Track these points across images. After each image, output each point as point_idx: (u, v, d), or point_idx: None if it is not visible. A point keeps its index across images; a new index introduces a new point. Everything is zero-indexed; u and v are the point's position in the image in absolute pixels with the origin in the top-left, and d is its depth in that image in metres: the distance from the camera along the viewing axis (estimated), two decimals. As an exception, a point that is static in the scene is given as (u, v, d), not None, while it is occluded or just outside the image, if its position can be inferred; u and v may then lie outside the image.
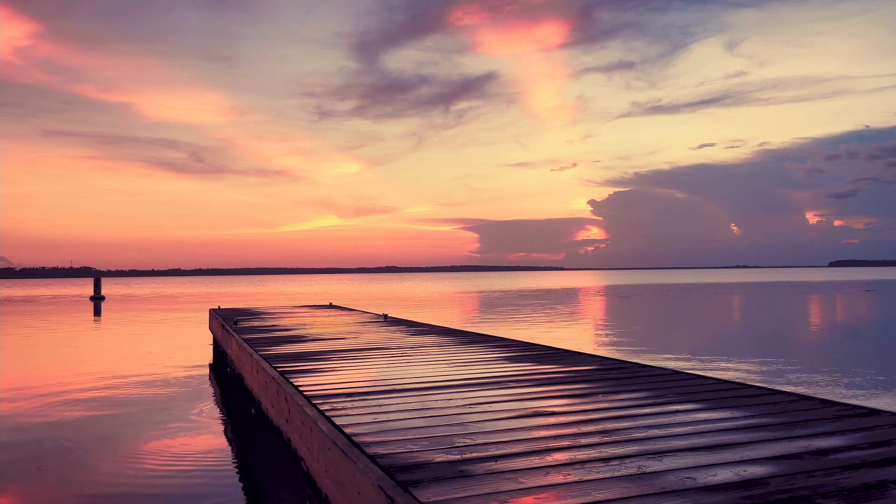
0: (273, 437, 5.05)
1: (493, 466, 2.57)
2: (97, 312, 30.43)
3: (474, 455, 2.73)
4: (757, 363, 11.43)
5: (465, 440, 2.99)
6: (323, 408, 3.75)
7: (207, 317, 20.21)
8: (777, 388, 4.18)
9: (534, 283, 77.00)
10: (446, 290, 55.13)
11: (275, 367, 5.38)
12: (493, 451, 2.79)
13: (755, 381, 9.20)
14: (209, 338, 14.47)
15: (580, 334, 17.21)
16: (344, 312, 12.67)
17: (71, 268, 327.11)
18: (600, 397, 3.99)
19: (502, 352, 6.26)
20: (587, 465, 2.57)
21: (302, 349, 6.72)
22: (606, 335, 16.88)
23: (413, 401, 3.95)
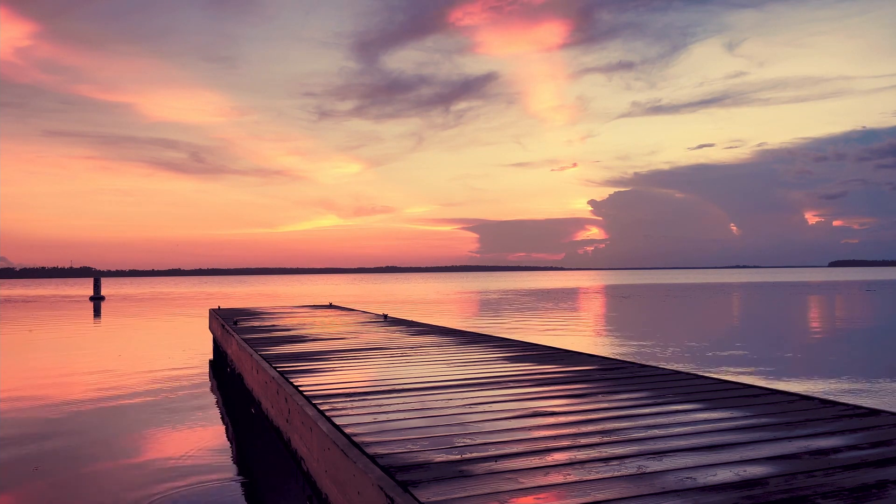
0: (273, 437, 5.05)
1: (493, 466, 2.57)
2: (97, 313, 30.43)
3: (474, 455, 2.73)
4: (757, 363, 11.43)
5: (465, 440, 2.99)
6: (323, 408, 3.75)
7: (207, 317, 20.21)
8: (777, 388, 4.18)
9: (534, 283, 77.00)
10: (446, 290, 55.13)
11: (275, 367, 5.38)
12: (493, 451, 2.79)
13: (755, 381, 9.20)
14: (209, 338, 14.47)
15: (580, 334, 17.21)
16: (344, 312, 12.67)
17: (71, 268, 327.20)
18: (600, 397, 3.99)
19: (502, 352, 6.27)
20: (587, 465, 2.57)
21: (302, 349, 6.72)
22: (606, 335, 16.88)
23: (413, 401, 3.95)
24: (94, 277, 47.48)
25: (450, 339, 7.52)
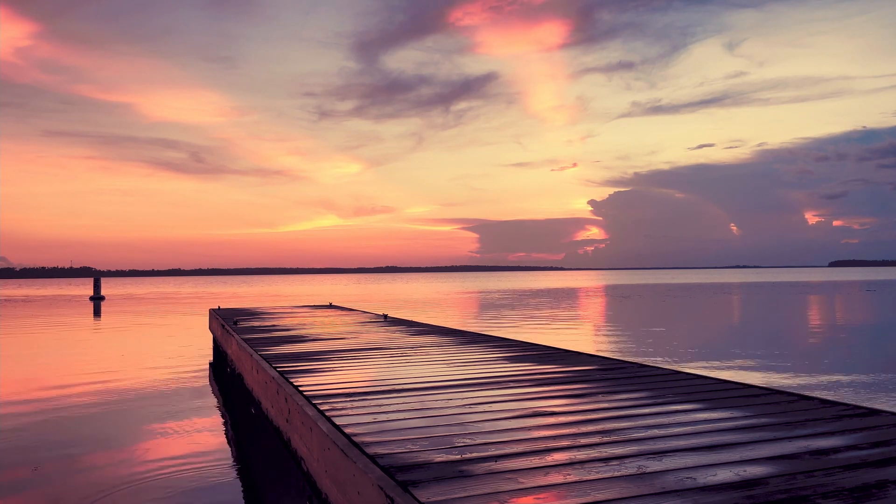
0: (273, 437, 5.05)
1: (493, 466, 2.56)
2: (97, 313, 30.42)
3: (474, 455, 2.73)
4: (757, 363, 11.42)
5: (465, 440, 2.99)
6: (323, 408, 3.75)
7: (207, 317, 20.20)
8: (777, 388, 4.18)
9: (534, 283, 76.97)
10: (446, 290, 55.11)
11: (275, 367, 5.38)
12: (493, 451, 2.79)
13: (755, 381, 9.20)
14: (209, 338, 14.47)
15: (580, 334, 17.21)
16: (344, 312, 12.67)
17: (71, 268, 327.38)
18: (600, 397, 3.99)
19: (502, 352, 6.26)
20: (587, 465, 2.57)
21: (302, 349, 6.72)
22: (606, 335, 16.87)
23: (413, 401, 3.95)
24: (94, 277, 47.48)
25: (450, 339, 7.51)
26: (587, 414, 3.52)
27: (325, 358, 6.00)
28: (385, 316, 11.05)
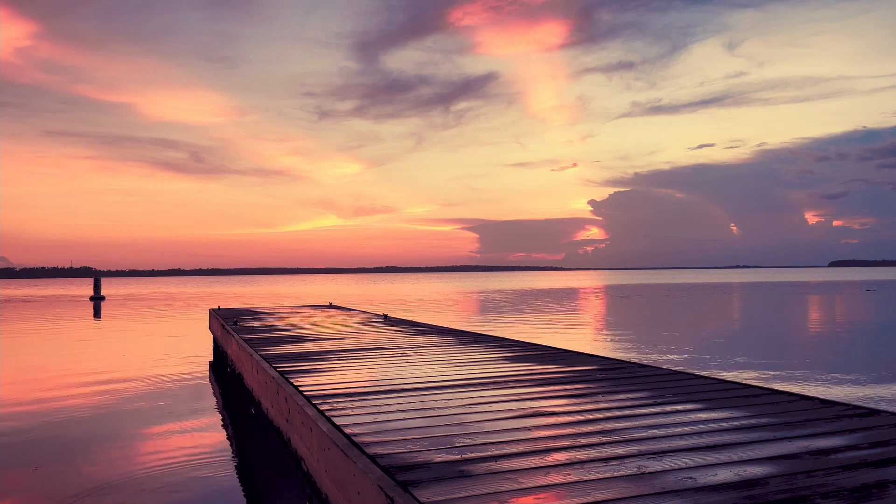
0: (273, 437, 5.05)
1: (493, 466, 2.57)
2: (97, 313, 30.42)
3: (474, 455, 2.73)
4: (757, 363, 11.42)
5: (465, 440, 2.99)
6: (323, 408, 3.75)
7: (207, 317, 20.20)
8: (777, 388, 4.18)
9: (534, 283, 76.97)
10: (446, 290, 55.11)
11: (275, 367, 5.38)
12: (493, 451, 2.79)
13: (755, 381, 9.20)
14: (209, 338, 14.47)
15: (580, 334, 17.21)
16: (344, 312, 12.67)
17: (71, 268, 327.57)
18: (600, 397, 3.99)
19: (502, 352, 6.26)
20: (587, 465, 2.57)
21: (302, 349, 6.72)
22: (606, 335, 16.87)
23: (413, 401, 3.95)
24: (94, 277, 47.49)
25: (450, 339, 7.51)
26: (587, 414, 3.53)
27: (326, 358, 6.00)
28: (385, 316, 11.05)
